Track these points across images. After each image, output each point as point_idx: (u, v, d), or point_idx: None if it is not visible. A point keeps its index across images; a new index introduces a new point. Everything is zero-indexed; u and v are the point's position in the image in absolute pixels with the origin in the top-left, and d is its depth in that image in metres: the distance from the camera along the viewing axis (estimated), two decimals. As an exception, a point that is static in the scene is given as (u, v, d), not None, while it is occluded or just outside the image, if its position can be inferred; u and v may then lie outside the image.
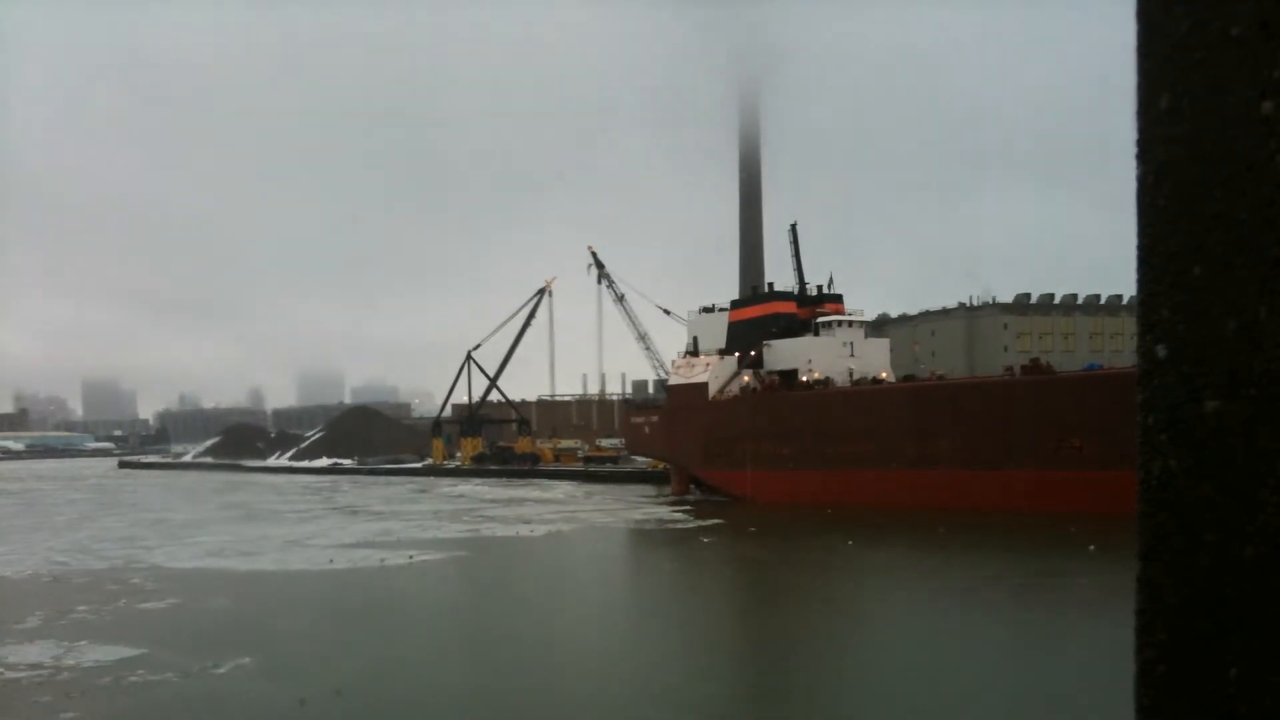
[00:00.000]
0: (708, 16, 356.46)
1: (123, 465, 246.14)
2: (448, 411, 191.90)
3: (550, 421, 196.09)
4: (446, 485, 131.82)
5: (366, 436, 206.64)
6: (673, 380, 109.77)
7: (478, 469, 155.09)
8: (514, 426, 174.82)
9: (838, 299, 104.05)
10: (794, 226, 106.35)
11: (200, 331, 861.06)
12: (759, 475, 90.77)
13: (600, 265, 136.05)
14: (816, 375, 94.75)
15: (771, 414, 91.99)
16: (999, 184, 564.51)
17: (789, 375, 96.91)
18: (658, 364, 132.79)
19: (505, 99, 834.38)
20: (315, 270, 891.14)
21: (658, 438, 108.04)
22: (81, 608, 42.36)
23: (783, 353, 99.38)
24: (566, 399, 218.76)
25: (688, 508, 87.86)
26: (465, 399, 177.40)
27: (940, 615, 38.44)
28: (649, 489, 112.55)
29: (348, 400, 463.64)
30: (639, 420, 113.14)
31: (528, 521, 77.48)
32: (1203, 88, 1.69)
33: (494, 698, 27.92)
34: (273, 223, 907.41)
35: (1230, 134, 1.65)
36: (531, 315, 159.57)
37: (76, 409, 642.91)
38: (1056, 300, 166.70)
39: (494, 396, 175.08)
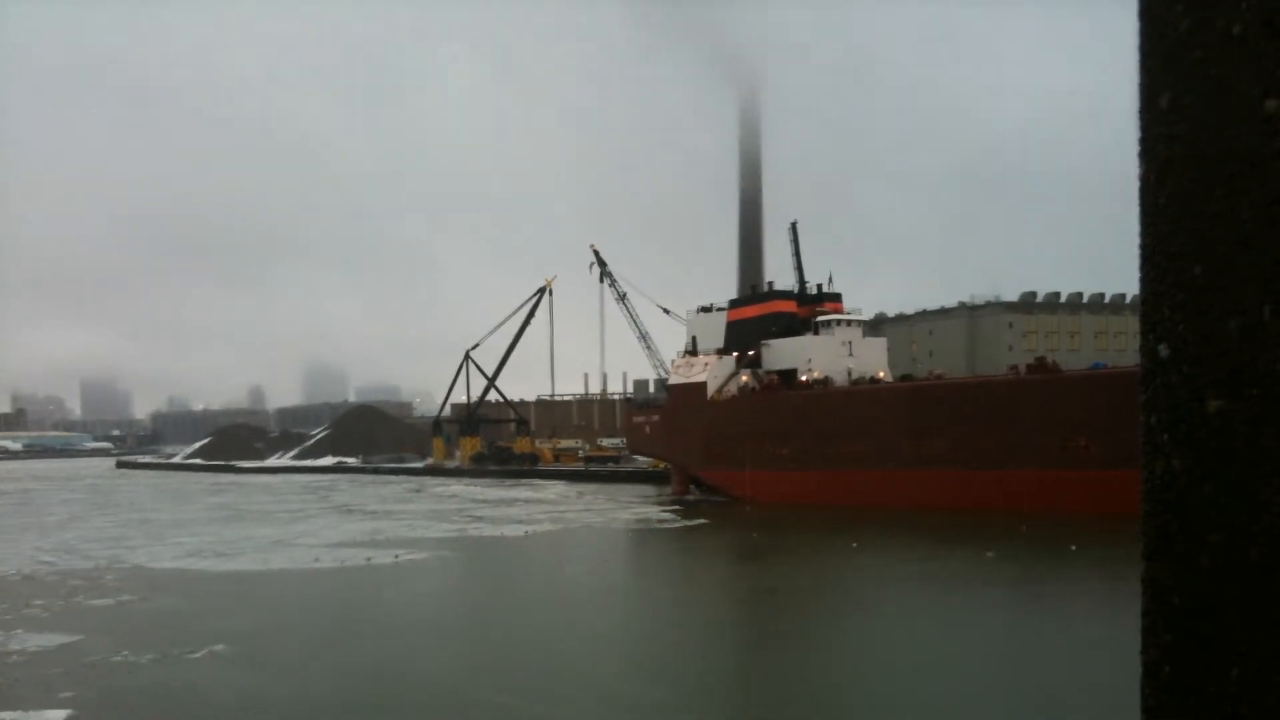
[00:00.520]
0: (708, 16, 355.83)
1: (120, 465, 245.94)
2: (447, 411, 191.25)
3: (550, 421, 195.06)
4: (441, 485, 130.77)
5: (370, 435, 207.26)
6: (672, 380, 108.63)
7: (476, 469, 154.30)
8: (512, 426, 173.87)
9: (837, 298, 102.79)
10: (794, 225, 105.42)
11: (200, 331, 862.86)
12: (758, 475, 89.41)
13: (603, 264, 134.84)
14: (816, 375, 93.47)
15: (770, 413, 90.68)
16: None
17: (788, 375, 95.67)
18: (658, 363, 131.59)
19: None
20: (317, 262, 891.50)
21: (658, 437, 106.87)
22: (38, 603, 43.38)
23: (782, 352, 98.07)
24: (567, 399, 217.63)
25: (678, 508, 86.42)
26: (464, 398, 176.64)
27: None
28: (649, 489, 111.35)
29: (352, 399, 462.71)
30: (640, 420, 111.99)
31: (518, 521, 76.70)
32: (1204, 86, 1.68)
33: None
34: (271, 219, 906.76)
35: (1232, 132, 1.65)
36: (531, 314, 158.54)
37: (75, 409, 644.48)
38: (1062, 299, 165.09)
39: (492, 396, 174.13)
